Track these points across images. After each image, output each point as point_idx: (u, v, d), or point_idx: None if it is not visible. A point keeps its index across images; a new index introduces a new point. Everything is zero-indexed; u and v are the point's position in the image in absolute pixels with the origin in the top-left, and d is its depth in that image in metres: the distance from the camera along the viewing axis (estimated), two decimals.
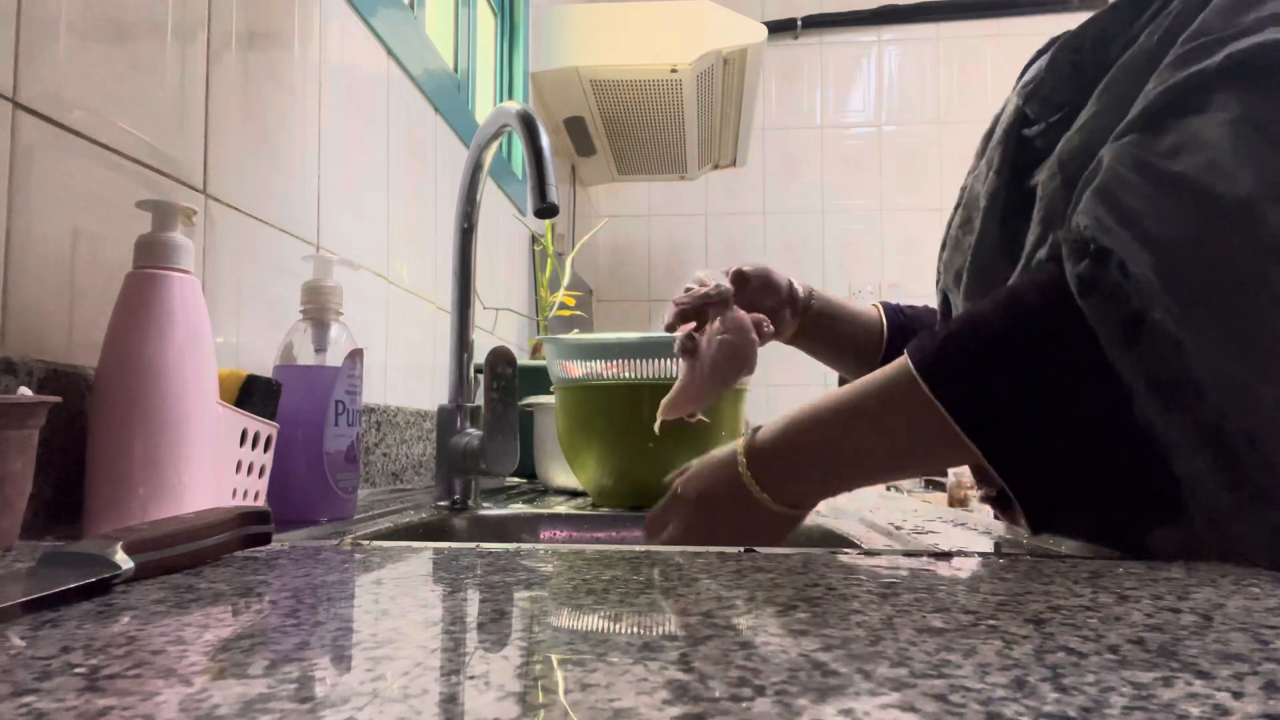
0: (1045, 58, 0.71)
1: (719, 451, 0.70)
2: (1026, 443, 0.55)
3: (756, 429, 0.68)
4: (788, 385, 3.73)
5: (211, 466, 0.63)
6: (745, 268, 0.90)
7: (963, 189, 0.84)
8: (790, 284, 0.93)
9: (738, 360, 0.77)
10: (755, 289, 0.90)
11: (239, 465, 0.69)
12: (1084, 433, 0.55)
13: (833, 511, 0.93)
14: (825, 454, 0.64)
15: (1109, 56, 0.65)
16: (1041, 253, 0.59)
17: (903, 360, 0.60)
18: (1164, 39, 0.60)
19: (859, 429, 0.63)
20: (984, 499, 0.71)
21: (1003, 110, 0.80)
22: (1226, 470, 0.50)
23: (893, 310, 0.98)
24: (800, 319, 0.93)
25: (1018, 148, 0.71)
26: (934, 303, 0.89)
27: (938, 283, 0.84)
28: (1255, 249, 0.50)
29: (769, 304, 0.90)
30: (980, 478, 0.70)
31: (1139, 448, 0.54)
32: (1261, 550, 0.49)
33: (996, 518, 0.79)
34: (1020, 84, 0.74)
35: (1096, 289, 0.52)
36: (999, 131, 0.74)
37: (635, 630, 0.33)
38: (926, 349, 0.58)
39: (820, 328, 0.95)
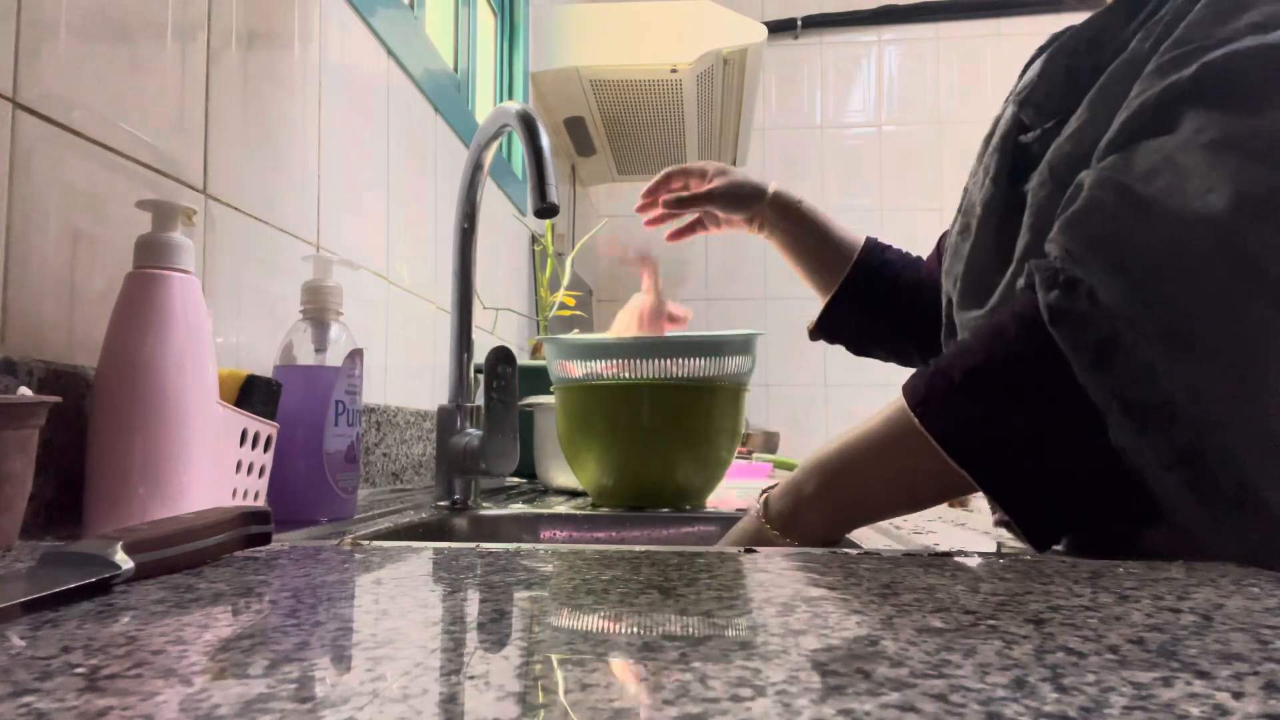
0: (1038, 63, 0.71)
1: (738, 528, 0.70)
2: (1016, 468, 0.56)
3: (766, 493, 0.68)
4: (786, 385, 3.74)
5: (211, 466, 0.63)
6: (718, 184, 0.97)
7: (967, 190, 0.83)
8: (773, 190, 0.98)
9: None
10: (728, 197, 0.97)
11: (239, 465, 0.69)
12: (1070, 454, 0.55)
13: None
14: (844, 506, 0.64)
15: (1103, 60, 0.64)
16: (1021, 280, 0.59)
17: (899, 400, 0.60)
18: (1154, 46, 0.59)
19: (864, 472, 0.63)
20: (998, 523, 0.71)
21: (1001, 115, 0.80)
22: (1200, 488, 0.51)
23: (873, 246, 1.00)
24: (782, 220, 0.98)
25: (1014, 154, 0.71)
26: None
27: (943, 287, 0.84)
28: (1230, 269, 0.50)
29: (744, 207, 0.98)
30: (992, 503, 0.71)
31: (1121, 464, 0.54)
32: (1236, 556, 0.51)
33: (1002, 530, 0.78)
34: (1015, 90, 0.74)
35: (1066, 317, 0.53)
36: (995, 138, 0.74)
37: (635, 630, 0.33)
38: (918, 383, 0.59)
39: (797, 232, 0.99)
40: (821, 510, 0.64)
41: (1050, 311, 0.54)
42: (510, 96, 2.41)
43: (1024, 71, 0.84)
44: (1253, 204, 0.50)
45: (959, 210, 0.80)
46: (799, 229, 0.98)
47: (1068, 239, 0.56)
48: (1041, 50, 0.84)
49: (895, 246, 1.02)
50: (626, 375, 1.01)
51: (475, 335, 1.00)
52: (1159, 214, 0.52)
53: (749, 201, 0.97)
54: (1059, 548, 0.63)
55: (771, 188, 0.98)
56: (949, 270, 0.77)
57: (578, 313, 2.01)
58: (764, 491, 0.68)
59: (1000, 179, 0.71)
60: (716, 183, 0.97)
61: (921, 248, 1.03)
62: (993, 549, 0.64)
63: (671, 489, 1.00)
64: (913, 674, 0.27)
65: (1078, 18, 0.84)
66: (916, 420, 0.57)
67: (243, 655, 0.29)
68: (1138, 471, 0.53)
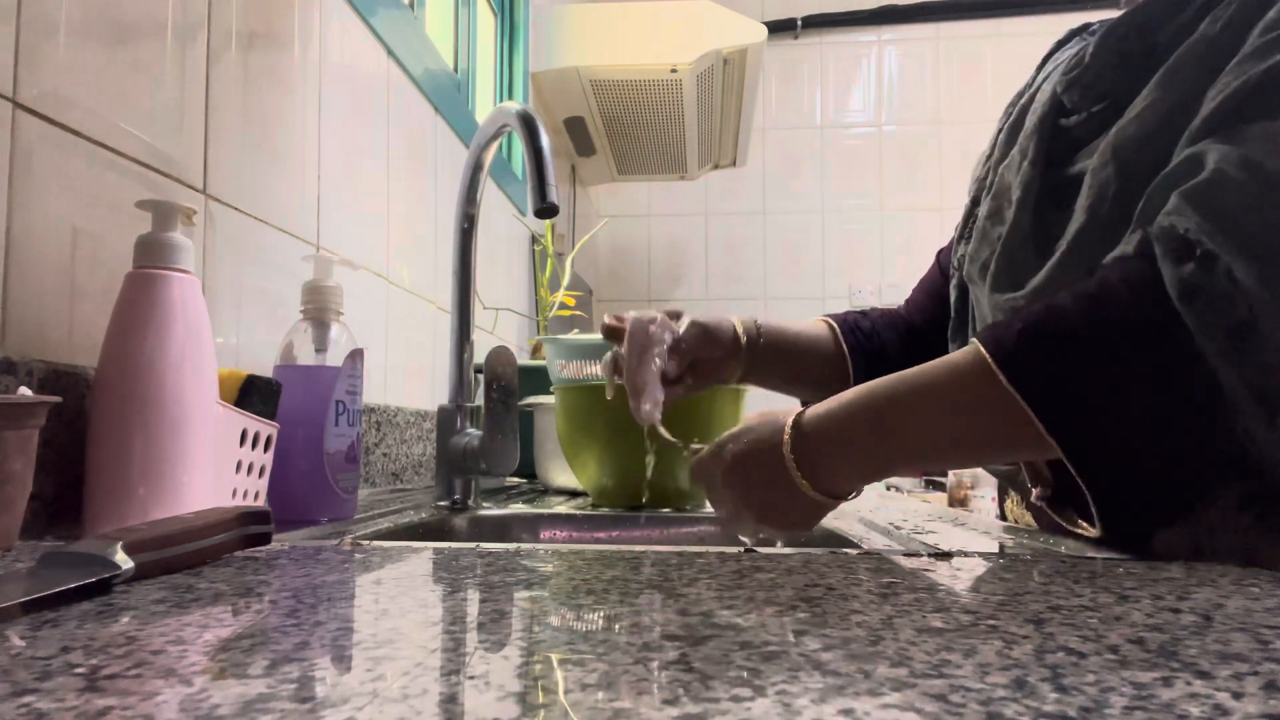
0: (1090, 45, 0.70)
1: (768, 422, 0.65)
2: (1110, 442, 0.54)
3: (804, 409, 0.63)
4: None
5: (211, 466, 0.63)
6: (683, 327, 0.82)
7: (980, 179, 0.83)
8: (734, 330, 0.85)
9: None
10: (693, 343, 0.82)
11: (239, 465, 0.68)
12: (1169, 435, 0.53)
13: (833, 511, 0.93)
14: (879, 444, 0.60)
15: (1156, 44, 0.64)
16: (1128, 248, 0.56)
17: (974, 352, 0.57)
18: (1230, 28, 0.59)
19: (921, 419, 0.59)
20: (1039, 498, 0.69)
21: (1026, 97, 0.80)
22: None
23: (849, 329, 0.90)
24: (747, 359, 0.86)
25: (1053, 137, 0.70)
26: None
27: (951, 276, 0.84)
28: None
29: (712, 355, 0.84)
30: (1035, 478, 0.68)
31: (1224, 449, 0.53)
32: None
33: (1039, 515, 0.73)
34: (1060, 72, 0.73)
35: (1201, 294, 0.51)
36: (1032, 121, 0.73)
37: (635, 630, 0.33)
38: (1005, 341, 0.56)
39: (770, 363, 0.87)
40: (863, 457, 0.61)
41: (1183, 286, 0.51)
42: (510, 96, 2.41)
43: (1047, 58, 0.83)
44: None
45: (981, 194, 0.79)
46: (778, 364, 0.86)
47: (1198, 212, 0.52)
48: (1063, 41, 0.83)
49: (857, 312, 0.94)
50: None
51: (475, 335, 1.00)
52: None
53: (720, 346, 0.84)
54: (1062, 543, 0.63)
55: (737, 328, 0.85)
56: (974, 255, 0.75)
57: (578, 313, 2.01)
58: (798, 412, 0.63)
59: (1038, 162, 0.70)
60: (684, 327, 0.83)
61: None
62: (993, 549, 0.64)
63: (671, 489, 1.00)
64: (913, 674, 0.27)
65: (1078, 18, 0.84)
66: (1004, 377, 0.54)
67: (243, 655, 0.29)
68: (1262, 464, 0.51)
